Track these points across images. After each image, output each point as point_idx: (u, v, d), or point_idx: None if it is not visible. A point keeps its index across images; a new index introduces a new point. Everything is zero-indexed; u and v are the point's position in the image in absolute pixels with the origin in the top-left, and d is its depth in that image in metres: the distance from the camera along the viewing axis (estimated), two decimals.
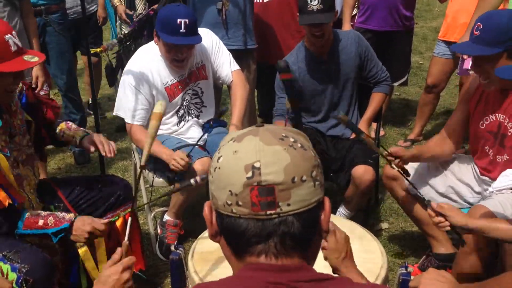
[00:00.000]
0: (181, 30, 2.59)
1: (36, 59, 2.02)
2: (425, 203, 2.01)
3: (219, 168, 0.95)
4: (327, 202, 0.98)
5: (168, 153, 2.66)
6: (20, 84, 2.22)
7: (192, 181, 1.90)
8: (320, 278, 0.94)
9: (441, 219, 1.93)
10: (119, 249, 1.50)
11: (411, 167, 2.56)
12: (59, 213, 2.11)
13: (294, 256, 0.94)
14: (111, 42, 3.40)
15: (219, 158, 0.96)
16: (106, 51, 3.29)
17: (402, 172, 2.29)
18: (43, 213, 2.08)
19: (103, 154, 2.31)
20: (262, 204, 0.91)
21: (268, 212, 0.91)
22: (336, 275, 0.96)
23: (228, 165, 0.94)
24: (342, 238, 1.50)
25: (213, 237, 1.00)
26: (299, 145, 0.95)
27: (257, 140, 0.94)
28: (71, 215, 2.10)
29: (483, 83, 2.21)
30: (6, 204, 1.95)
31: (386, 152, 2.30)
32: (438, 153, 2.49)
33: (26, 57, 2.00)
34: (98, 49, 3.25)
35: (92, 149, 2.33)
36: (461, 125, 2.45)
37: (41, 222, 2.04)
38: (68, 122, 2.50)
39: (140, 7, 3.77)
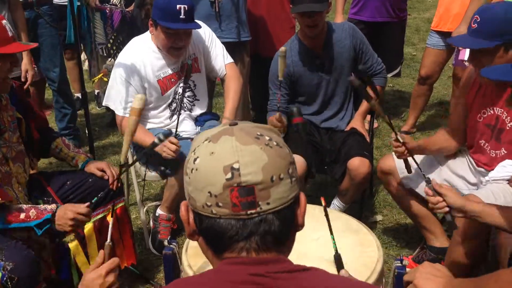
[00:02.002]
0: (180, 16, 2.57)
1: (30, 44, 2.05)
2: (426, 181, 1.98)
3: (196, 169, 0.95)
4: (302, 197, 1.00)
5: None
6: (10, 79, 2.18)
7: (156, 140, 1.88)
8: (297, 269, 0.96)
9: (439, 199, 1.92)
10: (101, 252, 1.46)
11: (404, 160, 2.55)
12: (41, 205, 2.08)
13: (272, 251, 0.96)
14: (109, 63, 3.37)
15: (195, 159, 0.96)
16: (107, 74, 3.27)
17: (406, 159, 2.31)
18: (25, 206, 2.05)
19: (110, 185, 2.35)
20: (243, 204, 0.92)
21: (249, 211, 0.92)
22: (312, 266, 0.97)
23: (206, 166, 0.94)
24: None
25: (191, 236, 1.01)
26: (275, 143, 0.96)
27: (233, 140, 0.94)
28: (53, 205, 2.07)
29: (479, 76, 2.19)
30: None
31: (394, 136, 2.27)
32: (445, 147, 2.48)
33: (21, 42, 2.04)
34: (100, 75, 3.22)
35: (99, 173, 2.37)
36: (463, 120, 2.43)
37: (22, 215, 2.01)
38: (64, 139, 2.49)
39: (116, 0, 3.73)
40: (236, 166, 0.91)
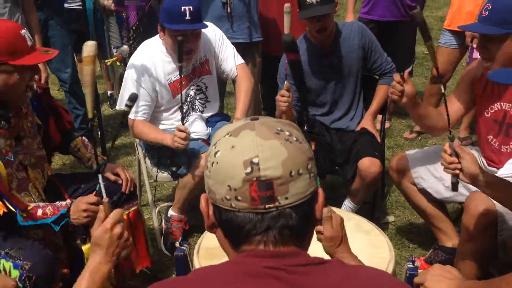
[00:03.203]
0: (186, 17, 2.57)
1: (50, 52, 2.05)
2: (449, 138, 1.95)
3: (217, 163, 0.96)
4: (320, 192, 1.01)
5: (170, 136, 2.62)
6: (35, 87, 2.19)
7: (124, 108, 1.96)
8: (316, 262, 0.96)
9: (454, 159, 1.87)
10: (101, 207, 1.45)
11: (417, 159, 2.53)
12: (57, 202, 2.10)
13: (291, 245, 0.97)
14: (122, 49, 3.38)
15: (216, 152, 0.97)
16: (121, 59, 3.28)
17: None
18: (41, 204, 2.08)
19: (123, 189, 2.38)
20: (261, 198, 0.92)
21: (267, 206, 0.93)
22: (329, 259, 0.97)
23: (226, 160, 0.95)
24: (338, 225, 1.50)
25: (209, 228, 1.02)
26: (295, 138, 0.97)
27: (253, 135, 0.95)
28: (68, 201, 2.09)
29: (484, 66, 2.18)
30: (1, 212, 1.94)
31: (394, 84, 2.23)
32: (433, 123, 2.42)
33: (41, 51, 2.03)
34: (114, 59, 3.23)
35: (113, 178, 2.38)
36: (459, 108, 2.40)
37: (39, 212, 2.03)
38: (84, 139, 2.52)
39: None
40: (255, 160, 0.92)
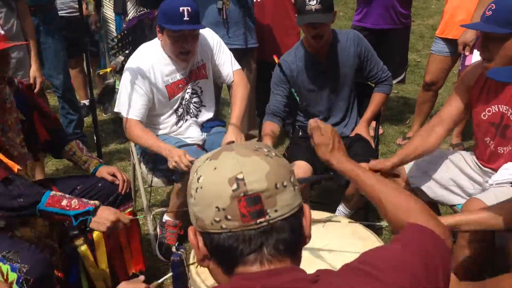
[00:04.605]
0: (184, 18, 2.58)
1: (13, 42, 2.09)
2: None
3: (201, 187, 0.96)
4: (306, 208, 1.00)
5: (168, 148, 2.61)
6: (15, 82, 2.21)
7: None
8: (312, 279, 0.95)
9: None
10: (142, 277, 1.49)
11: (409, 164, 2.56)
12: (84, 199, 2.10)
13: (286, 260, 0.96)
14: (117, 60, 3.37)
15: (198, 178, 0.97)
16: (115, 70, 3.28)
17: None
18: (68, 195, 2.08)
19: (119, 190, 2.40)
20: (251, 214, 0.92)
21: (258, 220, 0.93)
22: (322, 275, 0.97)
23: (211, 182, 0.95)
24: (328, 131, 1.53)
25: (201, 261, 1.01)
26: (273, 153, 0.99)
27: (234, 154, 0.96)
28: (97, 202, 2.10)
29: (484, 66, 2.21)
30: (16, 169, 1.97)
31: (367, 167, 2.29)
32: (424, 150, 2.43)
33: (8, 42, 2.05)
34: (108, 69, 3.23)
35: (110, 178, 2.40)
36: (458, 111, 2.42)
37: (64, 202, 2.03)
38: (79, 142, 2.51)
39: (132, 13, 3.70)
40: (240, 176, 0.93)
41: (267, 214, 0.93)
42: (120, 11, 3.70)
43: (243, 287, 0.93)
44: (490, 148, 2.34)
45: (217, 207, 0.93)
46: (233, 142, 2.57)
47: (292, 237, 0.95)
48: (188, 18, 2.59)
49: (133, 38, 3.34)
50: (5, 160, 2.01)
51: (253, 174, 0.93)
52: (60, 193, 2.06)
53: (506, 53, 2.12)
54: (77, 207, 2.03)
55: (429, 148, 2.42)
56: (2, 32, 2.02)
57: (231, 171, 0.94)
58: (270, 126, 2.85)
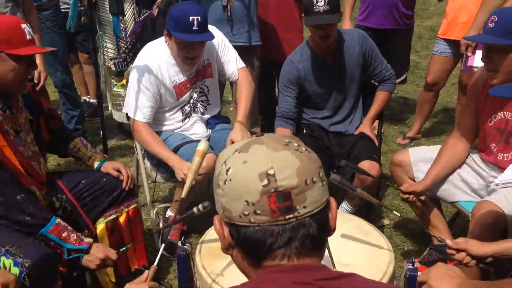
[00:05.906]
0: (194, 28, 2.58)
1: (46, 47, 2.09)
2: (440, 242, 1.98)
3: (230, 180, 0.95)
4: (333, 201, 1.01)
5: (176, 160, 2.62)
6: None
7: (194, 209, 1.94)
8: (339, 276, 0.96)
9: (463, 254, 1.89)
10: (146, 271, 1.54)
11: (419, 155, 2.59)
12: (81, 234, 2.14)
13: (313, 256, 0.96)
14: (129, 70, 3.37)
15: (227, 170, 0.96)
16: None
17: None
18: (69, 227, 2.11)
19: (124, 186, 2.41)
20: (281, 209, 0.92)
21: (287, 216, 0.93)
22: (350, 273, 0.99)
23: (241, 175, 0.94)
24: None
25: (226, 250, 1.01)
26: (304, 148, 0.98)
27: (264, 148, 0.95)
28: (90, 239, 2.13)
29: (488, 75, 2.22)
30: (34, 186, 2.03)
31: (401, 192, 2.39)
32: (454, 163, 2.47)
33: (37, 46, 2.11)
34: (124, 81, 3.22)
35: (115, 173, 2.41)
36: (473, 121, 2.45)
37: (65, 234, 2.07)
38: (83, 139, 2.52)
39: (129, 12, 3.67)
40: (271, 172, 0.92)
41: (296, 210, 0.93)
42: (116, 11, 3.62)
43: (273, 283, 0.93)
44: (494, 154, 2.36)
45: (246, 201, 0.93)
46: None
47: (319, 232, 0.95)
48: (197, 28, 2.59)
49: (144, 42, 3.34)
50: (29, 172, 2.07)
51: (284, 170, 0.93)
52: (63, 223, 2.09)
53: (510, 64, 2.12)
54: (73, 242, 2.07)
55: (459, 160, 2.48)
56: (31, 36, 2.05)
57: (261, 166, 0.93)
58: (283, 133, 2.85)
